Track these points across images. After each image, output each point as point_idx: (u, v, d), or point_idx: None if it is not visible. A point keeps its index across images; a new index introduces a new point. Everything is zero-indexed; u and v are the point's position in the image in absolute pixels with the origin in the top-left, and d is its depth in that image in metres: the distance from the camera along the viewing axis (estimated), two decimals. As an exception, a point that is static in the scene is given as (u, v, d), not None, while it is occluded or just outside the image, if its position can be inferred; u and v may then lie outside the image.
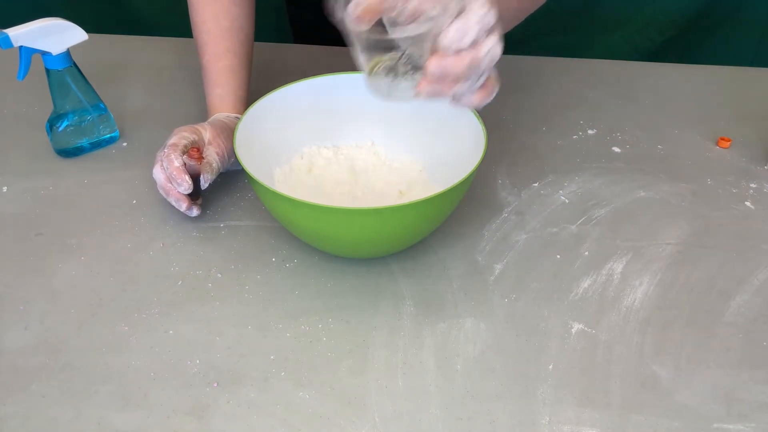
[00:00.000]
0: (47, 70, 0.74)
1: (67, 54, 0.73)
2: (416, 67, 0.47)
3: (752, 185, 0.77)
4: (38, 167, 0.77)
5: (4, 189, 0.74)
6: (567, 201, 0.74)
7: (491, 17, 0.43)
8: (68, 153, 0.79)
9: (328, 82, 0.72)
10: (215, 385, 0.54)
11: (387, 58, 0.48)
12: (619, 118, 0.88)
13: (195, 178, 0.67)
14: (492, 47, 0.44)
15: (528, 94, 0.93)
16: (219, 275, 0.64)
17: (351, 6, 0.45)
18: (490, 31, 0.44)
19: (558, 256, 0.67)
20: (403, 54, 0.47)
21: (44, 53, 0.72)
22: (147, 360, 0.56)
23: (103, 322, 0.59)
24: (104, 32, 1.01)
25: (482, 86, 0.47)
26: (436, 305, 0.61)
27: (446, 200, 0.59)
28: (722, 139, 0.83)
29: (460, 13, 0.43)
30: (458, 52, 0.43)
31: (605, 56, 1.06)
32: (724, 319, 0.61)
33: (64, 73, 0.74)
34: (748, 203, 0.74)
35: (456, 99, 0.47)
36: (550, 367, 0.56)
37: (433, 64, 0.43)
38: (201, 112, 0.78)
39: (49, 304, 0.61)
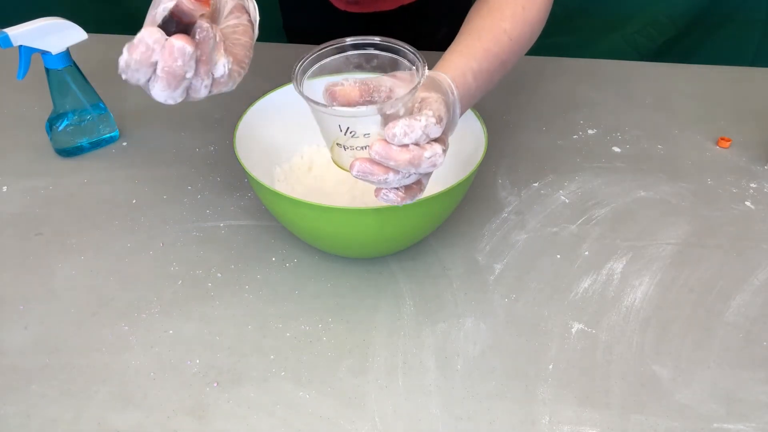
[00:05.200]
0: (47, 70, 0.74)
1: (67, 53, 0.73)
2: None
3: (752, 185, 0.77)
4: (38, 167, 0.77)
5: (4, 189, 0.74)
6: (567, 201, 0.74)
7: (436, 130, 0.47)
8: (68, 153, 0.79)
9: (328, 82, 0.71)
10: (215, 385, 0.54)
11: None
12: (619, 118, 0.88)
13: (185, 24, 0.43)
14: (436, 153, 0.47)
15: (528, 94, 0.93)
16: (219, 275, 0.64)
17: (328, 83, 0.49)
18: (435, 141, 0.48)
19: (558, 256, 0.67)
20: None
21: (44, 53, 0.72)
22: (147, 360, 0.56)
23: (103, 322, 0.59)
24: (104, 32, 1.00)
25: (408, 187, 0.49)
26: (436, 305, 0.61)
27: (446, 200, 0.59)
28: (722, 139, 0.83)
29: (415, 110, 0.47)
30: (404, 145, 0.46)
31: (605, 56, 1.06)
32: (724, 319, 0.61)
33: (63, 72, 0.74)
34: (748, 203, 0.74)
35: (380, 189, 0.49)
36: (550, 367, 0.56)
37: (378, 146, 0.46)
38: (201, 112, 0.78)
39: (49, 304, 0.61)
